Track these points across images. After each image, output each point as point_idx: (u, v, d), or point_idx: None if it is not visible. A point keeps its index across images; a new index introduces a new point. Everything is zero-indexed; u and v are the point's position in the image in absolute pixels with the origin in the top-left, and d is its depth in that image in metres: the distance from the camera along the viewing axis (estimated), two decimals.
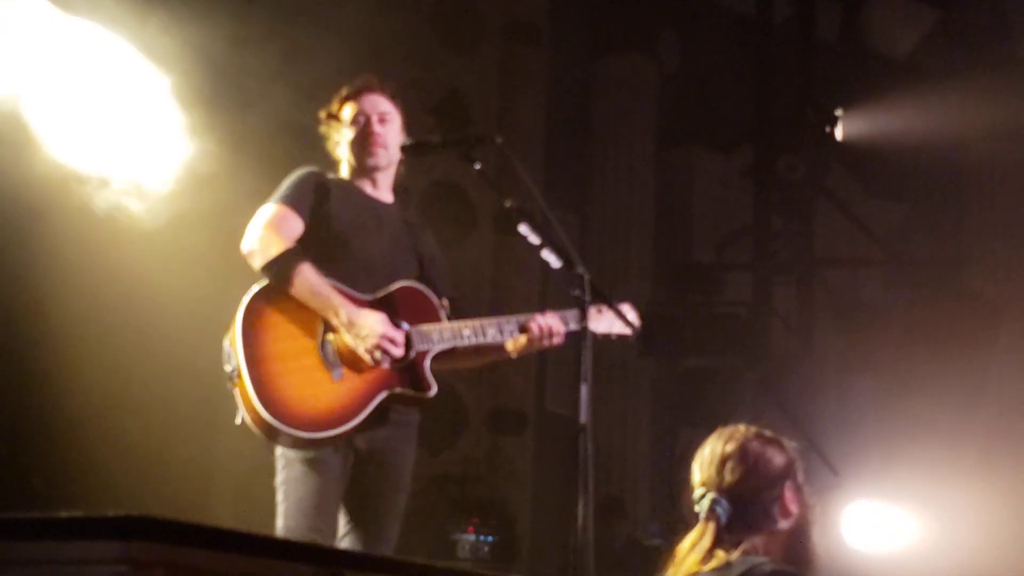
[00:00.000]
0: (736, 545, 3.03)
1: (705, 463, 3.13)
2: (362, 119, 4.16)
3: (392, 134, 4.18)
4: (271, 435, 3.74)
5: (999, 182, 8.37)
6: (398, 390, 3.89)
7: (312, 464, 3.79)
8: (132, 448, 6.01)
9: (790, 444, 3.18)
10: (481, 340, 4.03)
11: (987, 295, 8.22)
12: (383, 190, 4.20)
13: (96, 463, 5.91)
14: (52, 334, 5.93)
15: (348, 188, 4.10)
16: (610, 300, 3.96)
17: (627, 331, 4.21)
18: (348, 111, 4.20)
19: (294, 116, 6.35)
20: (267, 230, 3.85)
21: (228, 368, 3.72)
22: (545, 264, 3.96)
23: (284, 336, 3.76)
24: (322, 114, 4.24)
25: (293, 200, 3.93)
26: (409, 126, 4.29)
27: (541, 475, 7.99)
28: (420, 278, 4.12)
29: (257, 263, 3.83)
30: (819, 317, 8.60)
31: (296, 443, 3.77)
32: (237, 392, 3.71)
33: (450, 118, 7.62)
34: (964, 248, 8.41)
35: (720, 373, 8.22)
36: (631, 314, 4.21)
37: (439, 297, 4.11)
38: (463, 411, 7.70)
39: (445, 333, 3.97)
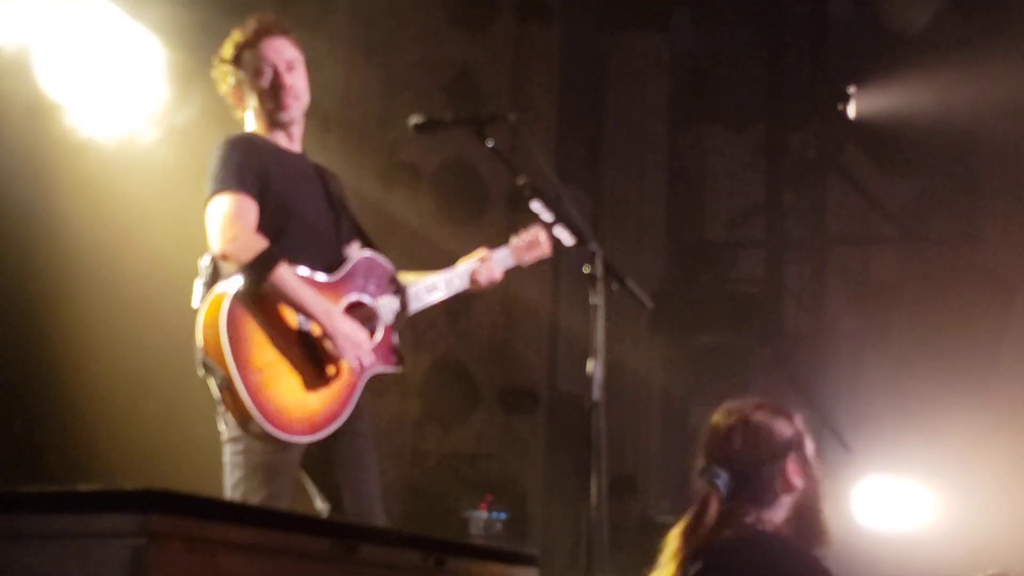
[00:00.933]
0: (736, 519, 3.02)
1: (708, 436, 3.13)
2: (269, 70, 3.92)
3: (301, 80, 3.96)
4: (269, 443, 3.71)
5: (1013, 158, 8.33)
6: (376, 370, 3.89)
7: (274, 455, 3.72)
8: (146, 425, 6.02)
9: (797, 417, 3.16)
10: (436, 298, 4.05)
11: (1000, 272, 8.19)
12: (296, 142, 4.05)
13: (110, 441, 5.93)
14: (64, 312, 5.94)
15: (273, 149, 3.91)
16: (622, 275, 3.95)
17: (541, 253, 4.34)
18: (250, 58, 3.94)
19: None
20: (235, 227, 3.69)
21: (215, 380, 3.63)
22: (557, 241, 3.96)
23: (267, 342, 3.67)
24: (216, 60, 3.98)
25: (241, 183, 3.74)
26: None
27: (553, 453, 8.00)
28: (347, 228, 4.06)
29: (232, 266, 3.69)
30: (832, 295, 8.59)
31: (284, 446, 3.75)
32: (229, 403, 3.63)
33: (462, 96, 7.60)
34: (977, 225, 8.37)
35: (732, 351, 8.21)
36: (542, 235, 4.30)
37: (362, 236, 4.09)
38: (475, 389, 7.70)
39: (409, 303, 3.99)
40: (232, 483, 3.75)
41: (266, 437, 3.66)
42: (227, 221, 3.72)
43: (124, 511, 1.88)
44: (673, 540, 3.07)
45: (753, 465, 3.04)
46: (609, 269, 3.84)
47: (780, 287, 8.58)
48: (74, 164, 6.04)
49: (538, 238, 4.39)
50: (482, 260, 4.21)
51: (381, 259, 4.02)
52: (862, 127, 8.37)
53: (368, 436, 3.99)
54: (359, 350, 3.77)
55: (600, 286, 3.77)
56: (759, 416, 3.10)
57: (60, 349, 5.94)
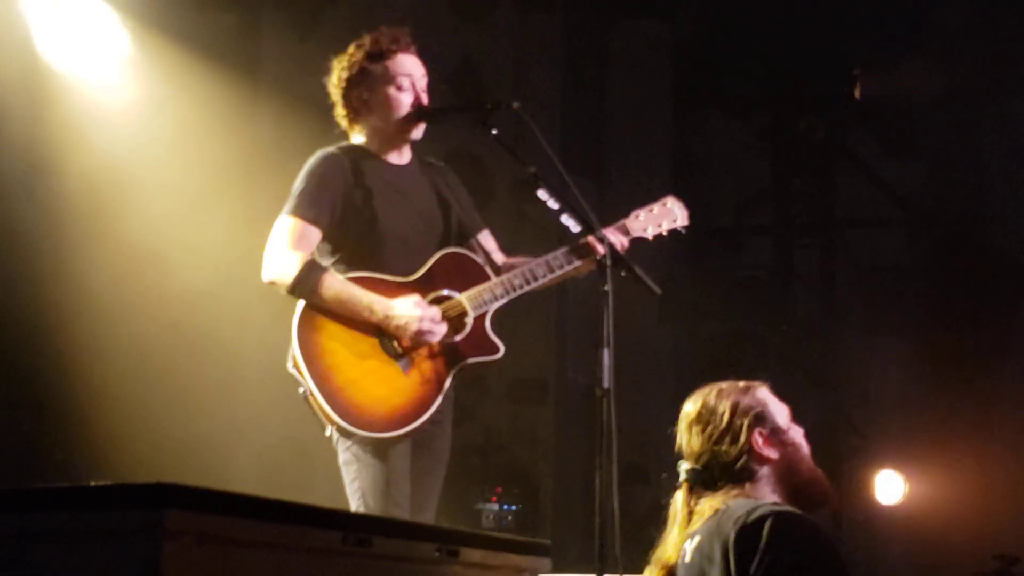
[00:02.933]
0: (725, 496, 2.99)
1: (679, 429, 3.12)
2: (405, 82, 4.01)
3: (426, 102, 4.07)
4: (364, 439, 3.74)
5: (1021, 137, 8.28)
6: (469, 361, 3.89)
7: (383, 441, 3.78)
8: (154, 422, 6.02)
9: (759, 388, 3.12)
10: (533, 285, 4.02)
11: (1011, 252, 8.15)
12: (406, 153, 4.13)
13: (118, 438, 5.93)
14: (71, 311, 5.94)
15: (371, 165, 3.99)
16: (631, 263, 3.93)
17: (679, 223, 4.21)
18: (389, 69, 4.02)
19: (306, 87, 6.33)
20: (283, 251, 3.81)
21: (301, 390, 3.74)
22: (564, 231, 3.95)
23: (343, 345, 3.76)
24: (347, 60, 4.04)
25: (305, 208, 3.85)
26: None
27: (563, 443, 7.97)
28: (453, 234, 4.07)
29: (281, 291, 3.82)
30: (841, 279, 8.55)
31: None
32: (316, 411, 3.72)
33: (465, 87, 7.57)
34: (987, 205, 8.33)
35: (742, 337, 8.18)
36: (678, 206, 4.19)
37: (476, 235, 4.08)
38: (484, 381, 7.68)
39: (497, 291, 3.97)
40: (349, 479, 3.83)
41: (365, 438, 3.71)
42: (278, 246, 3.84)
43: (137, 507, 1.87)
44: (658, 541, 3.05)
45: (720, 453, 3.02)
46: (617, 256, 3.83)
47: (789, 272, 8.54)
48: (79, 163, 6.03)
49: (669, 208, 4.23)
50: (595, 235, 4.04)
51: (466, 252, 4.03)
52: (869, 110, 8.34)
53: (442, 456, 4.00)
54: (418, 324, 3.74)
55: (608, 273, 3.76)
56: (713, 401, 3.08)
57: (67, 347, 5.94)
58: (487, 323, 3.96)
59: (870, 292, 8.49)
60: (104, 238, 6.00)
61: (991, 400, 8.04)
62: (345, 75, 4.07)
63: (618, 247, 4.05)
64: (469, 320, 3.92)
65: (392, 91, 4.02)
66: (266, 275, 3.85)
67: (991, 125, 8.26)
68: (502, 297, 3.98)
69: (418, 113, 4.06)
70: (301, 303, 3.81)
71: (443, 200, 4.11)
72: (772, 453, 3.04)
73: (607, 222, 4.02)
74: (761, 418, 3.07)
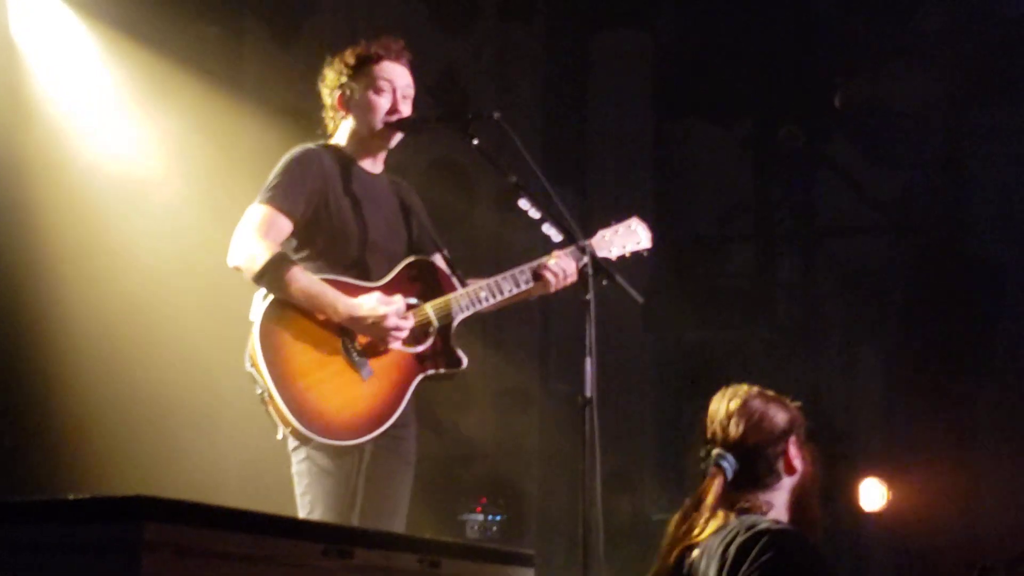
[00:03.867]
0: (741, 502, 3.01)
1: (710, 420, 3.14)
2: (386, 87, 4.02)
3: (408, 111, 4.08)
4: (320, 447, 3.72)
5: (1001, 144, 8.32)
6: (431, 372, 3.86)
7: (338, 456, 3.76)
8: (136, 435, 5.99)
9: (792, 403, 3.18)
10: (499, 298, 4.01)
11: (992, 260, 8.18)
12: (380, 162, 4.14)
13: (100, 452, 5.89)
14: (53, 325, 5.91)
15: (347, 170, 4.00)
16: (612, 271, 3.94)
17: (642, 246, 4.21)
18: (372, 72, 4.03)
19: (287, 97, 6.33)
20: (252, 238, 3.76)
21: (258, 391, 3.68)
22: (547, 240, 3.95)
23: (305, 348, 3.71)
24: (338, 62, 4.06)
25: (280, 198, 3.82)
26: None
27: (548, 453, 7.97)
28: (415, 249, 4.07)
29: (246, 276, 3.77)
30: (823, 287, 8.57)
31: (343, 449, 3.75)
32: (272, 412, 3.68)
33: (446, 97, 7.57)
34: (967, 213, 8.36)
35: (725, 345, 8.19)
36: (641, 228, 4.21)
37: (431, 256, 4.07)
38: (467, 390, 7.68)
39: (463, 301, 3.95)
40: (300, 491, 3.80)
41: (322, 444, 3.68)
42: (247, 233, 3.80)
43: (116, 520, 1.87)
44: (672, 527, 3.07)
45: (756, 448, 3.06)
46: (599, 265, 3.83)
47: (771, 280, 8.56)
48: (59, 173, 6.01)
49: (633, 230, 4.27)
50: (554, 255, 4.10)
51: (433, 262, 4.02)
52: (849, 117, 8.37)
53: (409, 459, 3.97)
54: (384, 321, 3.73)
55: (591, 282, 3.76)
56: (758, 401, 3.12)
57: (48, 361, 5.91)
58: (451, 335, 3.95)
59: (851, 300, 8.51)
60: (85, 249, 5.98)
61: (972, 406, 8.06)
62: (332, 75, 4.08)
63: (576, 268, 4.05)
64: (433, 331, 3.90)
65: (371, 94, 4.02)
66: (232, 260, 3.79)
67: (971, 133, 8.30)
68: (467, 309, 3.96)
69: (399, 123, 4.06)
70: (261, 304, 3.76)
71: (407, 216, 4.11)
72: (799, 465, 3.10)
73: (589, 232, 4.03)
74: (797, 428, 3.13)
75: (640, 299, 4.03)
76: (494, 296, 4.00)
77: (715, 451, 3.08)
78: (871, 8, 8.21)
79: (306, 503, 3.77)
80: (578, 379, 3.61)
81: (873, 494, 7.84)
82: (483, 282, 4.03)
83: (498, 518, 7.12)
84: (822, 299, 8.53)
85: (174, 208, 6.17)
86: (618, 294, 4.28)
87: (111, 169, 6.15)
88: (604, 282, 4.08)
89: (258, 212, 3.82)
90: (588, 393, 3.59)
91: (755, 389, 3.19)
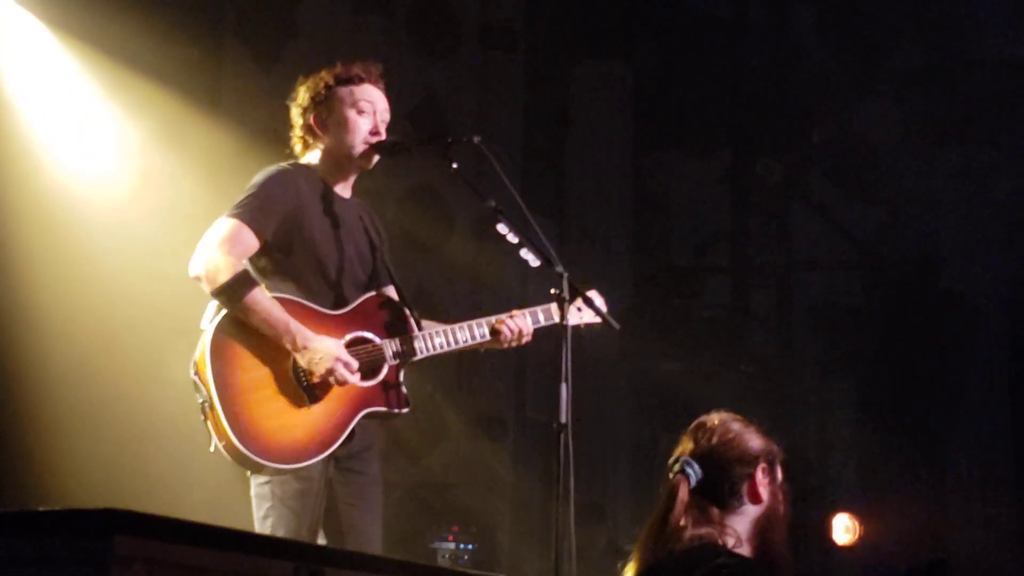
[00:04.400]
0: (702, 519, 2.98)
1: (686, 435, 3.12)
2: (367, 107, 3.96)
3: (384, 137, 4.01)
4: (249, 466, 3.66)
5: (974, 183, 8.40)
6: (373, 409, 3.82)
7: (300, 483, 3.72)
8: (106, 453, 5.94)
9: (772, 439, 3.16)
10: (453, 347, 3.99)
11: (966, 296, 8.24)
12: (350, 187, 4.08)
13: (70, 469, 5.84)
14: (22, 335, 5.86)
15: (323, 193, 3.94)
16: (589, 298, 3.94)
17: (596, 319, 4.19)
18: (354, 93, 3.96)
19: (267, 121, 6.32)
20: (216, 251, 3.68)
21: (199, 399, 3.62)
22: (524, 267, 3.94)
23: (254, 365, 3.65)
24: (314, 82, 3.97)
25: (251, 215, 3.74)
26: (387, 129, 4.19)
27: (521, 482, 7.95)
28: (375, 278, 4.04)
29: (206, 289, 3.69)
30: (797, 320, 8.61)
31: (276, 473, 3.71)
32: (210, 424, 3.62)
33: (426, 123, 7.58)
34: (942, 249, 8.43)
35: (699, 376, 8.21)
36: (598, 300, 4.18)
37: (384, 287, 4.04)
38: (442, 417, 7.65)
39: (417, 345, 3.91)
40: (260, 515, 3.73)
41: (293, 471, 3.64)
42: (212, 245, 3.71)
43: (86, 534, 1.84)
44: (639, 540, 3.05)
45: (724, 463, 3.02)
46: (576, 292, 3.83)
47: (746, 312, 8.60)
48: (34, 193, 5.99)
49: (591, 300, 4.12)
50: (511, 315, 4.10)
51: (394, 300, 3.98)
52: (826, 152, 8.44)
53: (376, 477, 3.94)
54: (332, 363, 3.69)
55: (566, 308, 3.75)
56: (738, 425, 3.10)
57: (16, 374, 5.86)
58: (401, 375, 3.91)
59: (826, 333, 8.55)
60: (55, 262, 5.94)
61: (945, 441, 8.10)
62: (309, 95, 4.01)
63: (527, 331, 4.07)
64: (385, 368, 3.88)
65: (352, 113, 3.96)
66: (194, 270, 3.70)
67: (946, 170, 8.37)
68: (421, 353, 3.93)
69: (379, 147, 4.02)
70: (215, 313, 3.71)
71: (372, 243, 4.07)
72: (765, 494, 3.05)
73: (565, 259, 4.01)
74: (771, 460, 3.09)
75: (617, 326, 4.02)
76: (448, 344, 3.97)
77: (682, 457, 3.06)
78: (849, 46, 8.30)
79: (267, 527, 3.72)
80: (553, 408, 3.59)
81: (846, 527, 7.85)
82: (440, 327, 3.99)
83: (470, 547, 7.08)
84: (796, 332, 8.57)
85: (148, 225, 6.14)
86: (594, 325, 4.29)
87: (86, 185, 6.12)
88: (579, 309, 4.08)
89: (226, 225, 3.74)
90: (563, 419, 3.57)
91: (740, 418, 3.17)
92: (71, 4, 6.00)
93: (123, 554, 1.82)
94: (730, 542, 2.98)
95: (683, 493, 3.00)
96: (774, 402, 7.96)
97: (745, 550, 3.00)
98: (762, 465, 3.04)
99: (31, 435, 5.85)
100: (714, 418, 3.12)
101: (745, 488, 3.01)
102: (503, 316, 4.09)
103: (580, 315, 4.14)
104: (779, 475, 3.10)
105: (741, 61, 8.50)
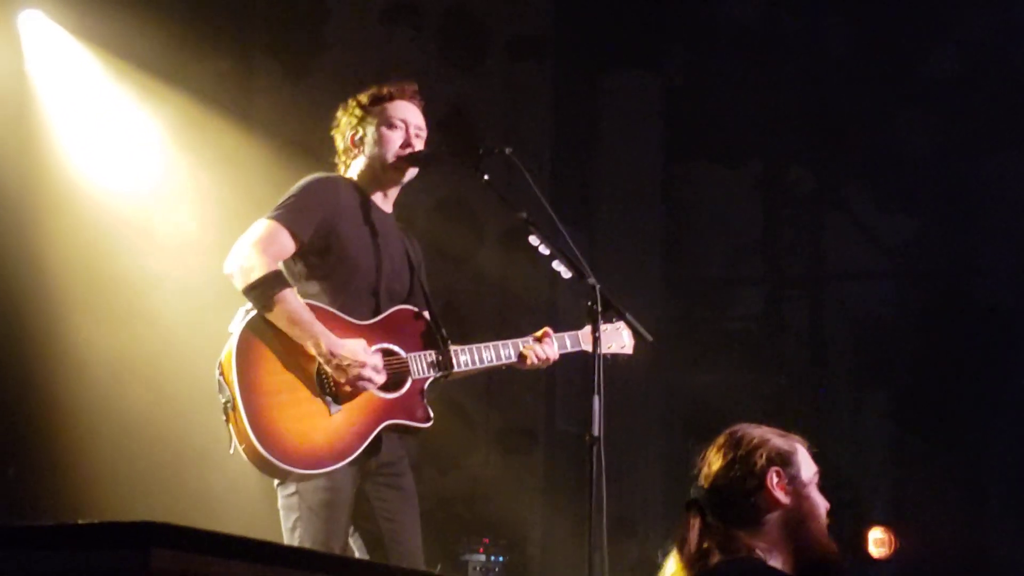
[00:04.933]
0: (726, 542, 2.92)
1: (701, 458, 3.05)
2: (401, 125, 4.05)
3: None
4: (267, 470, 3.67)
5: (1011, 192, 8.32)
6: (396, 421, 3.82)
7: (326, 493, 3.72)
8: (141, 470, 5.96)
9: (792, 438, 3.06)
10: (478, 367, 4.00)
11: (1001, 306, 8.15)
12: (390, 202, 4.14)
13: (104, 485, 5.86)
14: (59, 353, 5.90)
15: (362, 202, 4.00)
16: (622, 310, 3.92)
17: (625, 351, 4.24)
18: (387, 110, 4.05)
19: (297, 134, 6.35)
20: (252, 250, 3.72)
21: (222, 399, 3.63)
22: (553, 280, 3.94)
23: (279, 368, 3.67)
24: (351, 104, 4.09)
25: (290, 217, 3.79)
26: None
27: (552, 493, 7.91)
28: (417, 293, 4.06)
29: (238, 285, 3.73)
30: (831, 331, 8.53)
31: (295, 478, 3.70)
32: (232, 425, 3.63)
33: (455, 135, 7.58)
34: (977, 258, 8.34)
35: (732, 389, 8.15)
36: (627, 332, 4.22)
37: (429, 311, 4.05)
38: (472, 430, 7.63)
39: (443, 361, 3.92)
40: (288, 527, 3.74)
41: (306, 478, 3.64)
42: (248, 243, 3.76)
43: (123, 546, 1.83)
44: (665, 569, 3.00)
45: (734, 481, 2.94)
46: (608, 303, 3.81)
47: (779, 324, 8.53)
48: (70, 205, 6.02)
49: (620, 332, 4.24)
50: (538, 338, 4.12)
51: (423, 314, 3.99)
52: (860, 161, 8.37)
53: (411, 491, 3.94)
54: (359, 369, 3.69)
55: (599, 320, 3.74)
56: (744, 432, 3.02)
57: (53, 393, 5.89)
58: (424, 390, 3.91)
59: (860, 345, 8.47)
60: (91, 280, 5.97)
61: (982, 453, 8.01)
62: (345, 116, 4.10)
63: (555, 358, 4.10)
64: (408, 382, 3.87)
65: (384, 129, 4.04)
66: (229, 266, 3.74)
67: (982, 178, 8.30)
68: (445, 368, 3.93)
69: (410, 158, 4.06)
70: (244, 317, 3.72)
71: (411, 264, 4.10)
72: (784, 498, 2.93)
73: (595, 271, 4.00)
74: (784, 460, 2.96)
75: (649, 338, 4.01)
76: (474, 363, 3.99)
77: (692, 490, 3.01)
78: (883, 52, 8.23)
79: (295, 538, 3.72)
80: (584, 420, 3.57)
81: (881, 541, 7.77)
82: (466, 346, 4.00)
83: (500, 559, 7.05)
84: (830, 344, 8.49)
85: (180, 237, 6.17)
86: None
87: (117, 196, 6.16)
88: (614, 320, 4.07)
89: (263, 226, 3.79)
90: (596, 432, 3.56)
91: (754, 424, 3.09)
92: (102, 17, 6.04)
93: (161, 567, 1.81)
94: (762, 556, 2.92)
95: (696, 528, 2.94)
96: (807, 414, 7.89)
97: (779, 559, 2.92)
98: (774, 470, 2.94)
99: (66, 452, 5.88)
100: (725, 436, 3.05)
101: (761, 499, 2.93)
102: (531, 341, 4.08)
103: (609, 346, 4.15)
104: (798, 468, 2.99)
105: (772, 70, 8.45)
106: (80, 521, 1.88)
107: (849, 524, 7.64)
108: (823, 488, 3.03)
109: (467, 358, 3.97)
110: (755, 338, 8.48)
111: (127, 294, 6.10)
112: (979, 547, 7.63)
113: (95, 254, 6.06)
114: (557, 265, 3.90)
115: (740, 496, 2.91)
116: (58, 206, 6.00)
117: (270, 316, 3.68)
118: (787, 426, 3.21)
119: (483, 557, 6.97)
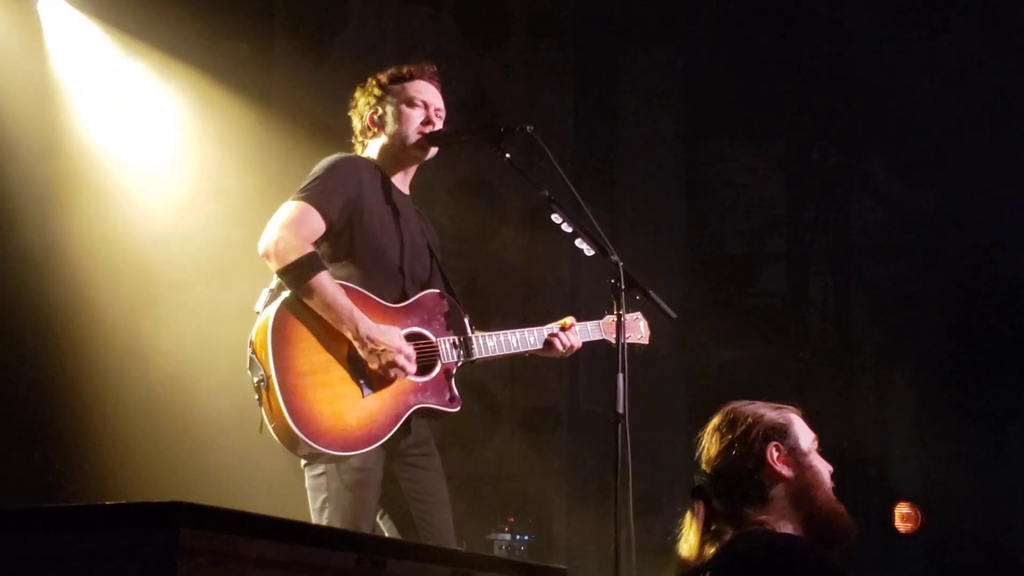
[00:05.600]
0: (736, 521, 2.92)
1: (701, 442, 3.05)
2: (421, 104, 4.03)
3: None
4: (299, 450, 3.67)
5: None
6: (426, 405, 3.83)
7: (357, 473, 3.73)
8: (166, 451, 5.99)
9: (786, 409, 3.05)
10: (505, 352, 4.01)
11: None
12: (407, 182, 4.13)
13: (130, 467, 5.89)
14: (85, 339, 5.92)
15: (382, 182, 4.00)
16: (645, 287, 3.91)
17: (643, 341, 4.26)
18: (407, 90, 4.04)
19: (317, 114, 6.34)
20: (285, 231, 3.72)
21: (254, 378, 3.64)
22: (575, 259, 3.93)
23: (313, 348, 3.68)
24: (370, 84, 4.07)
25: (318, 198, 3.79)
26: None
27: (576, 472, 7.92)
28: (437, 276, 4.07)
29: (273, 266, 3.74)
30: (856, 307, 8.50)
31: (326, 459, 3.71)
32: (264, 403, 3.64)
33: (477, 114, 7.57)
34: (1002, 232, 8.29)
35: (756, 366, 8.13)
36: (643, 324, 4.24)
37: (446, 288, 4.06)
38: (496, 410, 7.64)
39: (471, 346, 3.93)
40: (316, 507, 3.75)
41: (336, 459, 3.65)
42: (281, 224, 3.75)
43: (152, 527, 1.84)
44: (677, 553, 3.00)
45: (734, 461, 2.95)
46: (632, 281, 3.80)
47: (804, 300, 8.50)
48: (93, 189, 6.04)
49: (637, 323, 4.30)
50: (564, 326, 4.14)
51: (450, 298, 4.00)
52: (884, 136, 8.32)
53: (439, 471, 3.96)
54: (393, 356, 3.71)
55: (623, 298, 3.73)
56: (738, 411, 3.02)
57: (78, 378, 5.91)
58: (453, 374, 3.92)
59: (885, 320, 8.43)
60: (110, 273, 5.99)
61: (1007, 427, 7.97)
62: (364, 98, 4.09)
63: (579, 346, 4.12)
64: (438, 366, 3.89)
65: (404, 107, 4.03)
66: (263, 248, 3.73)
67: (1006, 151, 8.23)
68: (475, 354, 3.94)
69: (432, 137, 4.05)
70: (277, 295, 3.72)
71: (430, 248, 4.11)
72: (786, 471, 2.94)
73: (619, 249, 3.98)
74: (781, 433, 2.97)
75: (673, 315, 4.00)
76: (501, 348, 4.00)
77: (696, 476, 3.01)
78: (904, 26, 8.17)
79: (323, 518, 3.73)
80: (607, 399, 3.56)
81: (907, 517, 7.75)
82: (491, 333, 4.01)
83: (526, 538, 7.07)
84: (855, 319, 8.46)
85: (201, 218, 6.18)
86: (650, 313, 4.26)
87: (140, 179, 6.18)
88: (637, 298, 4.05)
89: (293, 207, 3.78)
90: (620, 409, 3.55)
91: (745, 401, 3.08)
92: (121, 2, 6.05)
93: (189, 547, 1.82)
94: (774, 528, 2.92)
95: (702, 511, 2.95)
96: (833, 391, 7.87)
97: (789, 528, 2.92)
98: (773, 444, 2.94)
99: (92, 436, 5.91)
100: (719, 418, 3.04)
101: (763, 475, 2.93)
102: (556, 328, 4.10)
103: (628, 336, 4.14)
104: (796, 439, 2.98)
105: (794, 44, 8.40)
106: (109, 502, 1.89)
107: (875, 500, 7.63)
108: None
109: (494, 343, 3.99)
110: (779, 315, 8.45)
111: (153, 279, 6.12)
112: (1005, 522, 7.60)
113: (118, 238, 6.08)
114: (580, 243, 3.89)
115: (743, 476, 2.92)
116: (81, 190, 6.01)
117: (306, 298, 3.69)
118: (811, 403, 3.19)
119: (508, 536, 6.99)
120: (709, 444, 2.99)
